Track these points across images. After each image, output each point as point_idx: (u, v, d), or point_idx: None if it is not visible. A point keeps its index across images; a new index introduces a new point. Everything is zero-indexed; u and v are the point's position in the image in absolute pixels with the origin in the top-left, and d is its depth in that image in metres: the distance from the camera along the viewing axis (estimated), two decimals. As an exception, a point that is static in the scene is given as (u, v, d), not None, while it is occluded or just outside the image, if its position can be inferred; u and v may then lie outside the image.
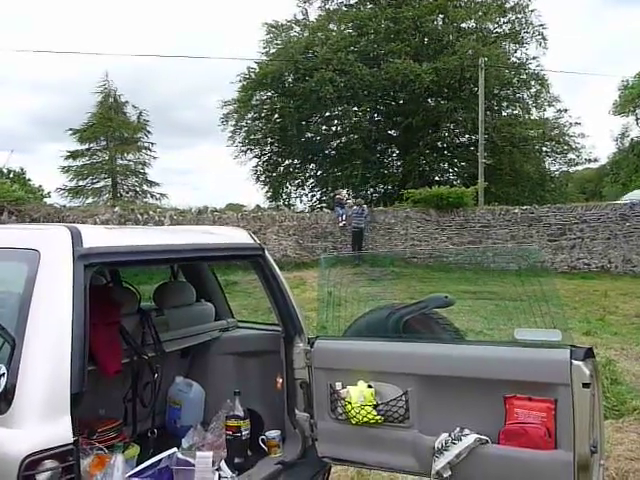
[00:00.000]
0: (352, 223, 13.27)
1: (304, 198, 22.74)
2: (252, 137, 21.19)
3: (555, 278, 9.43)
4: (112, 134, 21.82)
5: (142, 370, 2.48)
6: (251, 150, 21.77)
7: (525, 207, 14.00)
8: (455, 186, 16.36)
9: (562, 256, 13.21)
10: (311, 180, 22.66)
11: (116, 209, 12.52)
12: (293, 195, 22.69)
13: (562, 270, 12.79)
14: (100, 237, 1.99)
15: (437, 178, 21.03)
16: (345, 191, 16.36)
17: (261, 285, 2.45)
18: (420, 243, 13.69)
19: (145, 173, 22.79)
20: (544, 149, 21.29)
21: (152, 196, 22.22)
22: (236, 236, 2.46)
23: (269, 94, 20.53)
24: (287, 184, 22.64)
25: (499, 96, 20.38)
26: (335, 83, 18.27)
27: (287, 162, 22.30)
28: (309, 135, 21.17)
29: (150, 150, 22.67)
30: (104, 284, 2.70)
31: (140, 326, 2.56)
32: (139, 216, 12.25)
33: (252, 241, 2.45)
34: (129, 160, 22.54)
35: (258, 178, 22.57)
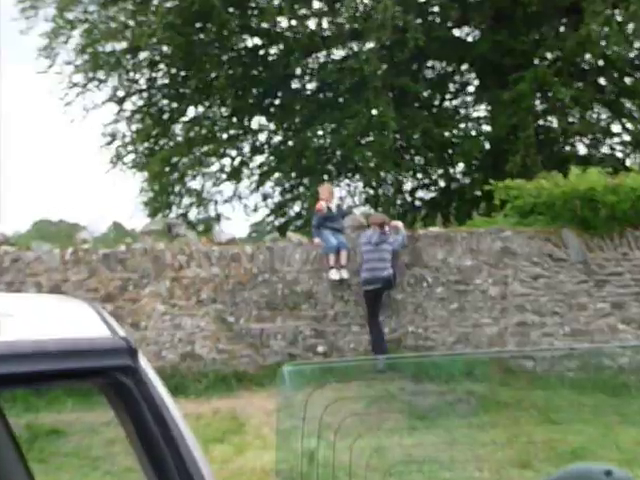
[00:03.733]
0: (364, 268, 11.87)
1: (236, 208, 23.12)
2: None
3: None
4: None
5: None
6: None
7: None
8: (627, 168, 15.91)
9: None
10: (257, 163, 22.51)
11: None
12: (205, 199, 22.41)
13: None
14: None
15: (566, 147, 21.42)
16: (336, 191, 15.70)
17: (128, 440, 1.91)
18: (537, 318, 12.26)
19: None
20: None
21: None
22: (68, 323, 2.03)
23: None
24: (197, 171, 22.06)
25: None
26: None
27: (192, 113, 21.89)
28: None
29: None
30: None
31: None
32: None
33: (108, 334, 1.96)
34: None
35: (119, 158, 21.58)
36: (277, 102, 21.94)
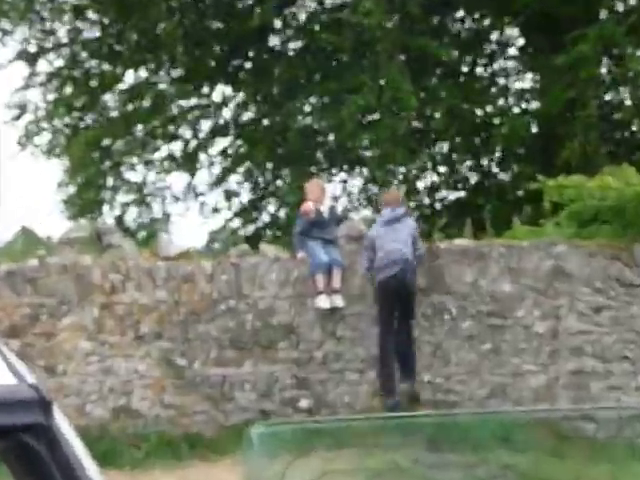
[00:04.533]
0: (374, 256, 12.33)
1: (191, 209, 23.19)
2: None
3: None
4: None
5: None
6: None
7: None
8: None
9: None
10: (220, 148, 22.66)
11: None
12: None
13: None
14: None
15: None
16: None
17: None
18: (600, 364, 12.44)
19: None
20: None
21: None
22: None
23: None
24: (138, 157, 22.31)
25: None
26: None
27: (130, 78, 22.44)
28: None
29: None
30: None
31: None
32: None
33: (12, 381, 1.98)
34: None
35: (29, 138, 21.70)
36: (248, 65, 22.05)
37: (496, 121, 20.89)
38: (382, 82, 18.60)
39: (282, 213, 21.39)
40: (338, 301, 12.09)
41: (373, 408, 11.44)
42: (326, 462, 8.02)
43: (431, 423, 8.95)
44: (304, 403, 11.85)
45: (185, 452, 11.42)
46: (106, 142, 21.49)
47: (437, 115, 20.01)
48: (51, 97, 21.73)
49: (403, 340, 12.08)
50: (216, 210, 22.67)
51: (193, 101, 22.15)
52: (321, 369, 12.31)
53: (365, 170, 21.52)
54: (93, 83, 21.82)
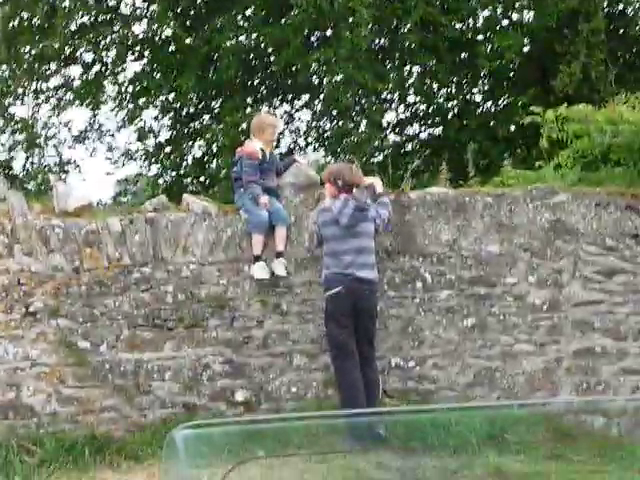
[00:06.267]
0: (326, 262, 12.10)
1: (97, 151, 24.63)
2: None
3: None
4: None
5: None
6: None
7: None
8: None
9: None
10: (131, 74, 23.45)
11: None
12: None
13: None
14: None
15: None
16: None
17: None
18: (612, 342, 12.60)
19: None
20: None
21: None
22: None
23: None
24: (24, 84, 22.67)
25: None
26: None
27: None
28: None
29: None
30: None
31: None
32: None
33: None
34: None
35: None
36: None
37: (481, 38, 20.86)
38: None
39: (212, 157, 21.34)
40: (281, 268, 12.20)
41: (327, 400, 11.45)
42: (269, 471, 7.97)
43: (402, 420, 8.92)
44: (240, 395, 11.84)
45: (89, 458, 11.18)
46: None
47: (406, 29, 19.95)
48: None
49: (369, 369, 11.89)
50: (128, 154, 22.56)
51: (96, 11, 21.87)
52: (261, 352, 12.24)
53: (317, 102, 21.52)
54: None
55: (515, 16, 21.67)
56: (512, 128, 19.55)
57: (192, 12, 21.47)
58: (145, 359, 12.00)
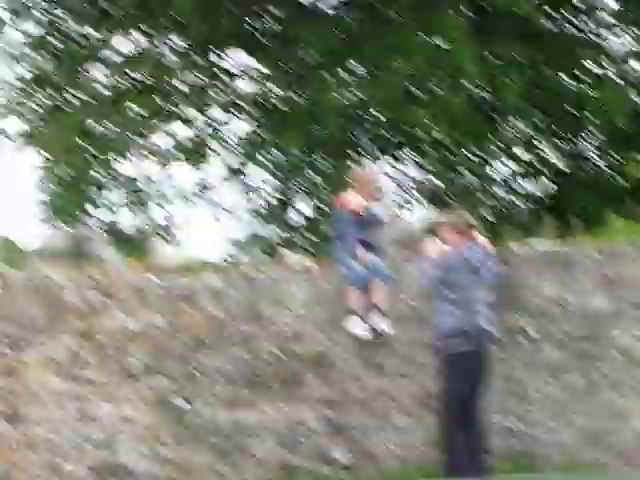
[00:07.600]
0: (440, 313, 11.54)
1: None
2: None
3: None
4: None
5: None
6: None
7: None
8: None
9: None
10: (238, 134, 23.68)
11: None
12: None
13: None
14: None
15: None
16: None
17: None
18: None
19: None
20: None
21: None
22: None
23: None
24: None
25: None
26: None
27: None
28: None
29: None
30: None
31: None
32: None
33: None
34: None
35: None
36: (269, 27, 22.39)
37: (590, 91, 20.80)
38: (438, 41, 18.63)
39: (314, 212, 21.46)
40: (383, 326, 12.11)
41: (430, 461, 11.29)
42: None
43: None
44: (339, 455, 11.82)
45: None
46: (88, 124, 21.71)
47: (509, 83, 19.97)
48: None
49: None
50: (232, 211, 22.75)
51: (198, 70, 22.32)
52: (361, 411, 12.17)
53: (418, 157, 21.61)
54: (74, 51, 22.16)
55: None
56: (624, 182, 19.42)
57: (294, 70, 21.81)
58: (242, 418, 12.07)
